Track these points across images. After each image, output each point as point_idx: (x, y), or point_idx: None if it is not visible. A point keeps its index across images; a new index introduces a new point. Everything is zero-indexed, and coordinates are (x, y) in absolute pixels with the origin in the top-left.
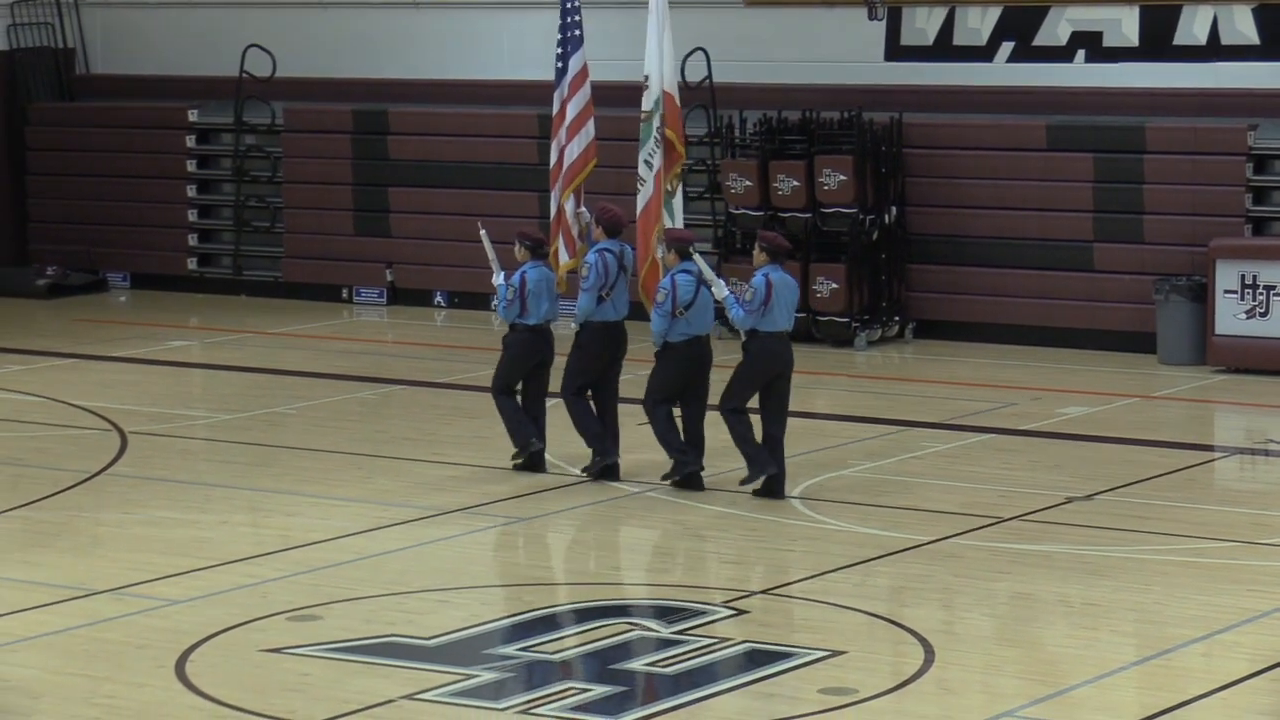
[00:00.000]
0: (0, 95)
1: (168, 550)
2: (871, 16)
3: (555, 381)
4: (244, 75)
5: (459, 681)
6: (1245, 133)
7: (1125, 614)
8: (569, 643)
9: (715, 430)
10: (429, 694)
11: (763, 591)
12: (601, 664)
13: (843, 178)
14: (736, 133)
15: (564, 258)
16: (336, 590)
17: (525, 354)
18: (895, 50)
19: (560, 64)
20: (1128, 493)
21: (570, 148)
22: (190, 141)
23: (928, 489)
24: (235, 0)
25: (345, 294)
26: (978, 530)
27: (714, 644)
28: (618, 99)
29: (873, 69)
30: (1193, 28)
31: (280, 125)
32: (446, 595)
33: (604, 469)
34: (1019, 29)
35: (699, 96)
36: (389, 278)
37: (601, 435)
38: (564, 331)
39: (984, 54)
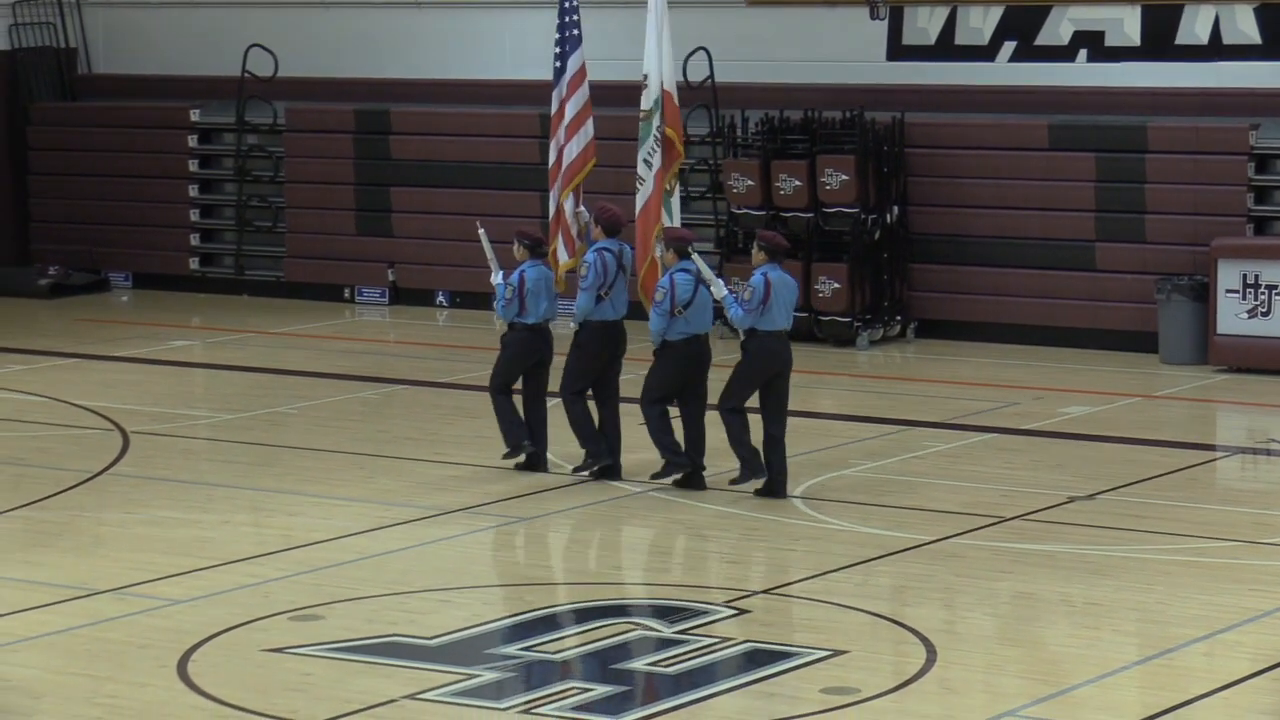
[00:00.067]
0: (2, 95)
1: (170, 550)
2: (873, 16)
3: (555, 380)
4: (246, 75)
5: (461, 681)
6: (1247, 132)
7: (1127, 613)
8: (570, 642)
9: (716, 430)
10: (431, 694)
11: (764, 591)
12: (603, 664)
13: (845, 177)
14: (738, 132)
15: (563, 257)
16: (338, 590)
17: (524, 353)
18: (897, 50)
19: (558, 63)
20: (1130, 492)
21: (569, 147)
22: (192, 141)
23: (930, 489)
24: (237, 0)
25: (347, 294)
26: (980, 530)
27: (715, 644)
28: (617, 98)
29: (875, 68)
30: (1194, 27)
31: (282, 125)
32: (448, 595)
33: (604, 469)
34: (1021, 28)
35: (701, 96)
36: (391, 277)
37: (596, 438)
38: (564, 331)
39: (986, 53)
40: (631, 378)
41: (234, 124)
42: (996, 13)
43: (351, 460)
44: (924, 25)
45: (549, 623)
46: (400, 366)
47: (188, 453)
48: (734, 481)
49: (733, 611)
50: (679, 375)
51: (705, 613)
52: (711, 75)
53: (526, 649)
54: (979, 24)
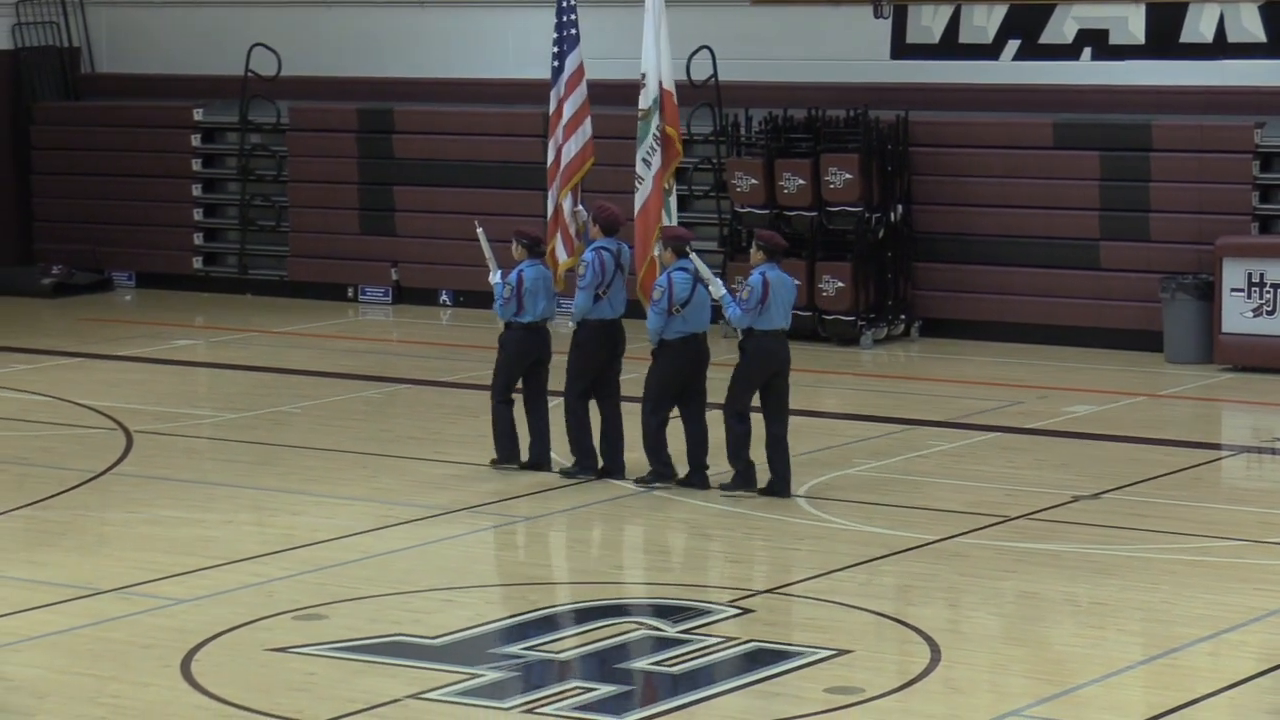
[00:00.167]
0: (5, 94)
1: (173, 549)
2: (877, 14)
3: (554, 380)
4: (249, 74)
5: (464, 681)
6: (1252, 130)
7: (1132, 613)
8: (574, 642)
9: (718, 430)
10: (434, 693)
11: (768, 591)
12: (606, 663)
13: (848, 176)
14: (742, 131)
15: (562, 256)
16: (342, 589)
17: (522, 352)
18: (901, 48)
19: (556, 63)
20: (1134, 491)
21: (567, 146)
22: (195, 140)
23: (934, 488)
24: None
25: (350, 293)
26: (984, 529)
27: (719, 643)
28: (616, 97)
29: (878, 67)
30: (1199, 25)
31: (285, 124)
32: (452, 594)
33: (606, 469)
34: (1025, 27)
35: (704, 95)
36: (394, 277)
37: (589, 452)
38: (564, 330)
39: (990, 52)
40: (632, 377)
41: (237, 123)
42: (1000, 11)
43: (354, 459)
44: (928, 23)
45: (552, 622)
46: (403, 366)
47: (191, 452)
48: (724, 487)
49: (736, 611)
50: (678, 375)
51: (709, 612)
52: (715, 74)
53: (530, 648)
54: (983, 22)
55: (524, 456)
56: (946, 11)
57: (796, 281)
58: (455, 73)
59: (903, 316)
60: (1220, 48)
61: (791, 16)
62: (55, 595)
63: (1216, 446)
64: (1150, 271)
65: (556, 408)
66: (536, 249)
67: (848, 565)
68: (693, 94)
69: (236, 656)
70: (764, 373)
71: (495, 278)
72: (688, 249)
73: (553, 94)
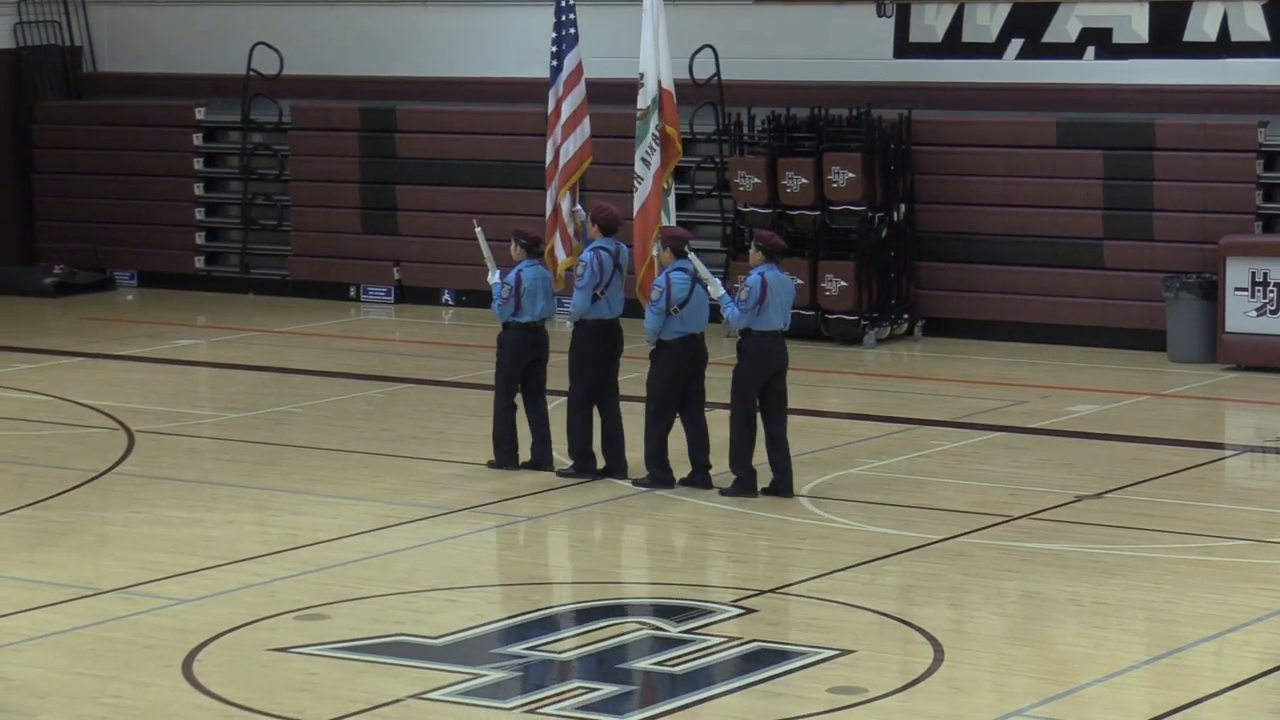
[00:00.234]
0: (7, 93)
1: (175, 549)
2: (880, 13)
3: (553, 379)
4: (251, 73)
5: (467, 681)
6: (1255, 129)
7: (1135, 613)
8: (576, 642)
9: (719, 429)
10: (437, 693)
11: (771, 590)
12: (609, 663)
13: (851, 175)
14: (745, 130)
15: (561, 256)
16: (344, 589)
17: (520, 352)
18: (904, 47)
19: (555, 62)
20: (1138, 491)
21: (566, 146)
22: (197, 139)
23: (937, 487)
24: None
25: (353, 292)
26: (987, 529)
27: (721, 643)
28: (615, 96)
29: (882, 66)
30: (1203, 24)
31: (287, 123)
32: (454, 594)
33: (608, 469)
34: (1028, 25)
35: (707, 94)
36: (396, 276)
37: (588, 456)
38: (562, 330)
39: (993, 50)
40: (632, 376)
41: (239, 122)
42: (1004, 10)
43: (357, 459)
44: (931, 22)
45: (554, 622)
46: (405, 365)
47: (193, 452)
48: (724, 492)
49: (739, 611)
50: (677, 376)
51: (711, 612)
52: (718, 73)
53: (532, 648)
54: (986, 21)
55: (525, 456)
56: (949, 10)
57: (799, 281)
58: (458, 71)
59: (906, 316)
60: (1224, 46)
61: (794, 15)
62: (56, 595)
63: (1220, 446)
64: (1154, 271)
65: (557, 408)
66: (535, 249)
67: (850, 565)
68: (695, 93)
69: (238, 656)
70: (763, 373)
71: (494, 277)
72: (686, 249)
73: (551, 93)
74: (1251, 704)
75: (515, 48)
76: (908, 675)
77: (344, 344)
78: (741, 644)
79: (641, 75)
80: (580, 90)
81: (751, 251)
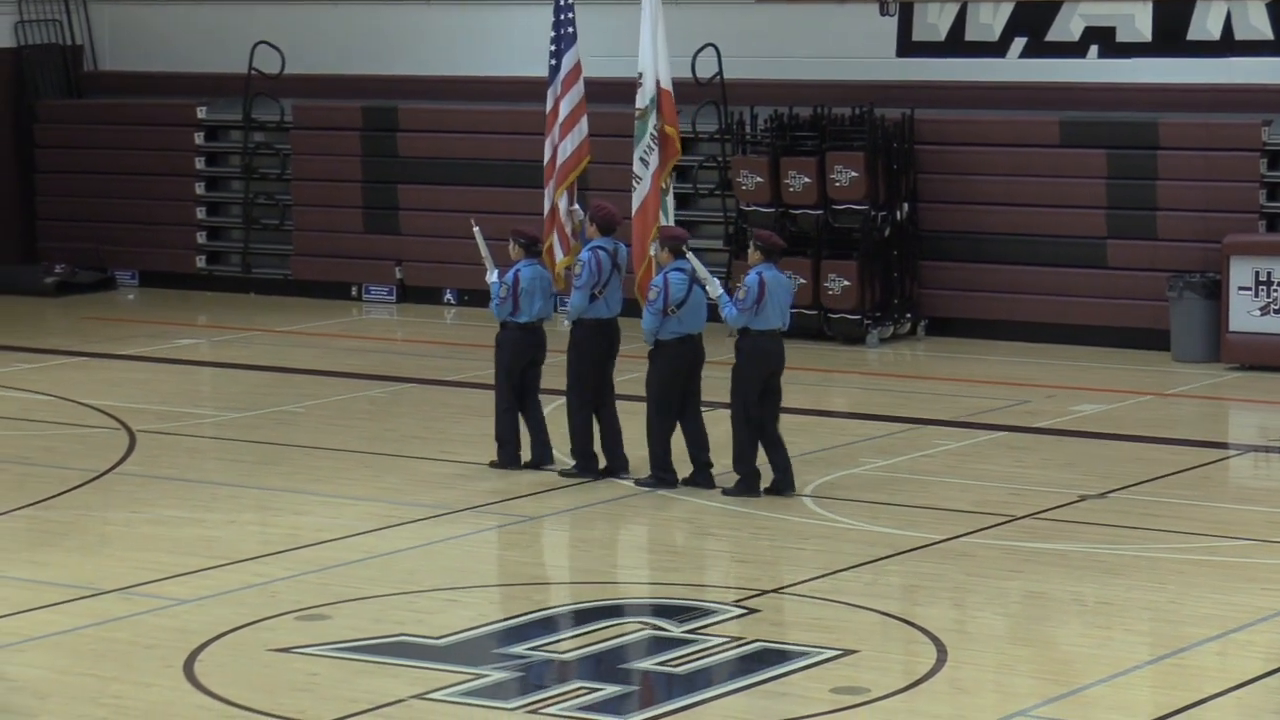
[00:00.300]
0: (8, 93)
1: (176, 549)
2: (883, 12)
3: (549, 379)
4: (253, 72)
5: (468, 681)
6: (1259, 128)
7: (1139, 613)
8: (578, 642)
9: (720, 428)
10: (438, 693)
11: (774, 590)
12: (611, 663)
13: (854, 174)
14: (747, 129)
15: (559, 255)
16: (345, 589)
17: (518, 352)
18: (907, 46)
19: (553, 61)
20: (1141, 491)
21: (564, 145)
22: (199, 139)
23: (940, 487)
24: None
25: (354, 292)
26: (990, 529)
27: (724, 643)
28: (614, 96)
29: (885, 65)
30: (1206, 23)
31: (289, 122)
32: (456, 594)
33: (608, 469)
34: (1031, 24)
35: (709, 93)
36: (398, 275)
37: (590, 456)
38: (560, 329)
39: (996, 49)
40: (632, 377)
41: (241, 121)
42: (1007, 8)
43: (358, 459)
44: (934, 21)
45: (556, 622)
46: (407, 365)
47: (194, 451)
48: (727, 492)
49: (742, 611)
50: (676, 376)
51: (714, 612)
52: (720, 72)
53: (534, 649)
54: (989, 20)
55: (525, 456)
56: (953, 9)
57: (801, 280)
58: (460, 70)
59: (909, 315)
60: (1227, 45)
61: (797, 14)
62: (57, 595)
63: (1224, 446)
64: (1157, 270)
65: (557, 407)
66: (534, 248)
67: (853, 565)
68: (698, 92)
69: (239, 657)
70: (761, 373)
71: (492, 277)
72: (685, 249)
73: (549, 92)
74: (1256, 704)
75: (518, 47)
76: (911, 675)
77: (346, 343)
78: (744, 644)
79: (640, 75)
80: (578, 89)
81: (750, 251)
